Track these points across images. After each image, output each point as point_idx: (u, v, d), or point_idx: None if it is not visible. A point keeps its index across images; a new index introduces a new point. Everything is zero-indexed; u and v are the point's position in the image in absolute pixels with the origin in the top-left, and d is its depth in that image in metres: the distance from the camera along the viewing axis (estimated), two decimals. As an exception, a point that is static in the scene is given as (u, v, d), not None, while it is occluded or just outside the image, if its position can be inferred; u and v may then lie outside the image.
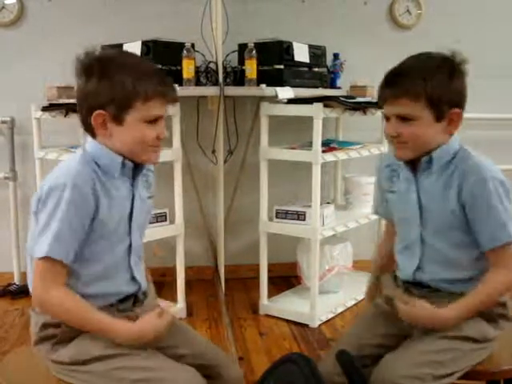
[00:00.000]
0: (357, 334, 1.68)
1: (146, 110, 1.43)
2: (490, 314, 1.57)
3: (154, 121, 1.46)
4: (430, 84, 1.51)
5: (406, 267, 1.67)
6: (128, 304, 1.54)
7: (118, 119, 1.43)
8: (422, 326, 1.53)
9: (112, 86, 1.41)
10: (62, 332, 1.45)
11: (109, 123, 1.43)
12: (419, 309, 1.52)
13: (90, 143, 1.49)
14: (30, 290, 1.43)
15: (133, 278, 1.54)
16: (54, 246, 1.37)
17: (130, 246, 1.53)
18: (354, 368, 0.91)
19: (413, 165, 1.62)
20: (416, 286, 1.65)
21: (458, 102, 1.55)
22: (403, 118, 1.54)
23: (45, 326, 1.47)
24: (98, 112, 1.42)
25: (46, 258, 1.37)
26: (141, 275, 1.58)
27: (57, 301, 1.39)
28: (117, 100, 1.41)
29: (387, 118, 1.59)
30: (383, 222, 3.29)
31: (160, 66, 2.89)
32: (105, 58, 1.46)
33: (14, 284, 3.29)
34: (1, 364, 1.56)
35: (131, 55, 1.51)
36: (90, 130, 1.47)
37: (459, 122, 1.56)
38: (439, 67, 1.55)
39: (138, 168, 1.53)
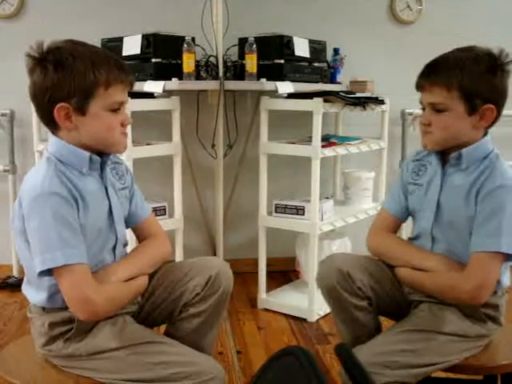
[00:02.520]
0: (362, 261, 1.72)
1: (108, 97, 1.42)
2: (474, 313, 1.58)
3: (117, 108, 1.45)
4: (466, 76, 1.51)
5: None
6: None
7: (82, 110, 1.40)
8: None
9: (71, 76, 1.38)
10: (75, 327, 1.45)
11: (73, 115, 1.40)
12: None
13: (52, 143, 1.46)
14: (70, 305, 1.39)
15: None
16: (67, 253, 1.35)
17: (117, 239, 1.55)
18: (353, 362, 0.92)
19: (443, 159, 1.64)
20: None
21: (494, 98, 1.54)
22: (436, 108, 1.56)
23: (52, 324, 1.47)
24: (60, 105, 1.39)
25: (67, 266, 1.35)
26: None
27: (113, 293, 1.43)
28: (78, 90, 1.38)
29: (423, 108, 1.62)
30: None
31: (160, 60, 2.90)
32: (56, 49, 1.41)
33: (13, 277, 3.30)
34: (0, 356, 1.56)
35: (81, 43, 1.45)
36: (51, 124, 1.44)
37: (492, 118, 1.56)
38: (478, 61, 1.54)
39: (104, 160, 1.51)
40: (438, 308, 1.60)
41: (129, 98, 1.51)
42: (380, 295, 1.67)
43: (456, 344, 1.54)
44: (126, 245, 1.62)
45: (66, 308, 1.42)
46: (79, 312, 1.38)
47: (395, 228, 1.80)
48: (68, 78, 1.38)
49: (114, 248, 1.54)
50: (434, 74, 1.56)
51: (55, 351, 1.48)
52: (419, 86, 1.62)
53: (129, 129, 2.55)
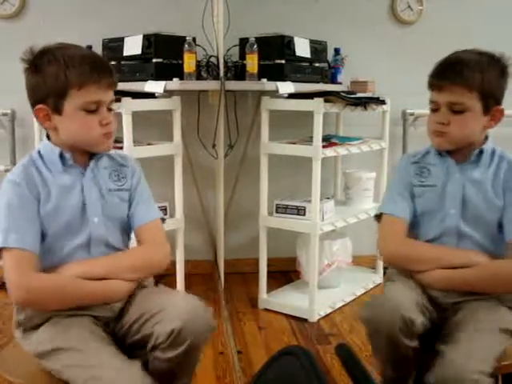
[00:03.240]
0: (415, 296, 1.65)
1: (82, 96, 1.46)
2: None
3: (94, 108, 1.48)
4: (486, 77, 1.59)
5: None
6: None
7: (58, 110, 1.47)
8: None
9: (45, 78, 1.45)
10: (26, 318, 1.49)
11: (52, 116, 1.48)
12: None
13: (42, 141, 1.57)
14: (7, 287, 1.42)
15: None
16: (9, 237, 1.41)
17: (90, 237, 1.53)
18: (354, 362, 0.92)
19: (452, 157, 1.69)
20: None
21: (501, 99, 1.65)
22: (454, 109, 1.60)
23: (18, 310, 1.52)
24: (38, 106, 1.48)
25: (8, 250, 1.41)
26: None
27: (47, 282, 1.43)
28: (52, 91, 1.45)
29: (435, 109, 1.65)
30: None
31: (161, 60, 2.90)
32: (39, 52, 1.49)
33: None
34: (0, 355, 1.56)
35: (68, 46, 1.51)
36: (42, 125, 1.54)
37: (499, 118, 1.65)
38: (492, 64, 1.62)
39: (94, 160, 1.56)
40: (492, 305, 1.60)
41: (112, 97, 1.53)
42: (429, 325, 1.63)
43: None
44: (113, 247, 1.59)
45: None
46: (12, 296, 1.42)
47: (407, 233, 1.75)
48: (43, 81, 1.46)
49: (89, 246, 1.54)
50: (456, 74, 1.60)
51: (19, 339, 1.54)
52: (436, 86, 1.64)
53: (129, 129, 2.58)
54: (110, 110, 1.53)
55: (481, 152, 1.66)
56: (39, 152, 1.54)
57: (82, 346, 1.40)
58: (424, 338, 1.61)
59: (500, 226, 1.65)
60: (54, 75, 1.44)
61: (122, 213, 1.62)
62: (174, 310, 1.46)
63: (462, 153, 1.67)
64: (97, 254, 1.55)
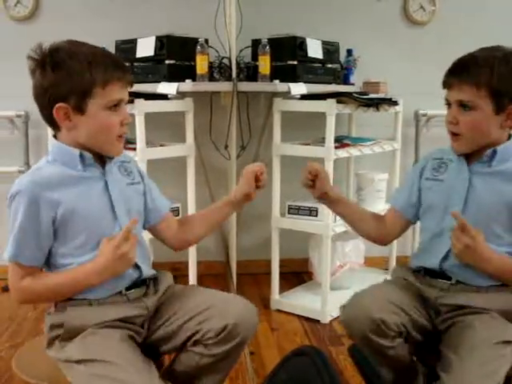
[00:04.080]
0: (389, 295, 1.64)
1: (106, 95, 1.43)
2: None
3: (115, 106, 1.46)
4: (496, 74, 1.52)
5: (433, 255, 1.66)
6: (138, 293, 1.55)
7: (80, 109, 1.42)
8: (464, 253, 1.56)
9: (68, 75, 1.40)
10: (64, 331, 1.46)
11: (72, 115, 1.43)
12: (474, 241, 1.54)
13: (52, 145, 1.51)
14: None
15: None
16: (16, 251, 1.42)
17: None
18: (367, 362, 0.92)
19: (467, 158, 1.64)
20: (439, 279, 1.65)
21: None
22: (464, 106, 1.56)
23: (52, 327, 1.49)
24: (59, 105, 1.41)
25: (12, 261, 1.44)
26: (142, 260, 1.56)
27: (27, 287, 1.44)
28: (76, 89, 1.40)
29: (449, 106, 1.62)
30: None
31: (174, 62, 2.91)
32: (54, 49, 1.44)
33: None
34: (16, 356, 1.57)
35: (80, 43, 1.48)
36: (53, 124, 1.47)
37: None
38: (507, 60, 1.55)
39: (107, 158, 1.53)
40: (488, 318, 1.56)
41: (127, 97, 1.51)
42: (410, 323, 1.62)
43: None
44: (138, 241, 1.56)
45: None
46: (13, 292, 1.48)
47: (390, 217, 1.82)
48: (65, 78, 1.40)
49: None
50: (463, 71, 1.57)
51: (53, 353, 1.49)
52: (447, 84, 1.61)
53: (142, 130, 2.59)
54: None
55: (494, 152, 1.59)
56: (54, 156, 1.48)
57: (114, 359, 1.39)
58: (426, 339, 1.63)
59: (507, 228, 1.60)
60: (77, 72, 1.40)
61: (140, 206, 1.63)
62: (227, 306, 1.52)
63: (479, 154, 1.61)
64: None
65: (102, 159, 1.52)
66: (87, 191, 1.47)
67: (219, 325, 1.46)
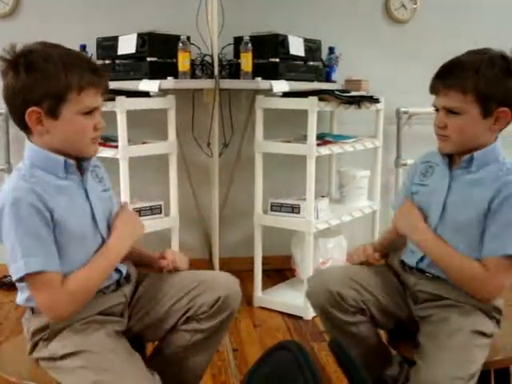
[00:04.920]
0: (351, 273, 1.72)
1: (81, 101, 1.38)
2: (487, 310, 1.60)
3: (89, 112, 1.42)
4: (482, 79, 1.51)
5: (413, 255, 1.70)
6: (113, 285, 1.56)
7: (54, 114, 1.37)
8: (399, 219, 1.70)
9: (43, 79, 1.35)
10: (49, 331, 1.46)
11: (44, 119, 1.38)
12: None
13: (27, 148, 1.45)
14: (42, 309, 1.41)
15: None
16: (42, 261, 1.34)
17: (103, 241, 1.51)
18: (347, 356, 0.93)
19: (451, 162, 1.65)
20: (419, 272, 1.69)
21: (508, 101, 1.54)
22: (451, 111, 1.56)
23: (35, 332, 1.48)
24: (31, 109, 1.36)
25: (30, 275, 1.35)
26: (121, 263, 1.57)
27: (71, 285, 1.39)
28: (50, 94, 1.35)
29: (437, 110, 1.62)
30: (378, 215, 3.32)
31: (156, 59, 2.90)
32: (28, 51, 1.38)
33: (9, 276, 3.30)
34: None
35: (54, 45, 1.42)
36: (24, 127, 1.42)
37: (506, 121, 1.56)
38: (494, 64, 1.53)
39: (83, 164, 1.49)
40: (467, 309, 1.59)
41: (101, 104, 1.47)
42: (374, 304, 1.67)
43: (486, 346, 1.55)
44: None
45: None
46: (47, 315, 1.42)
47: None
48: (39, 82, 1.35)
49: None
50: (450, 77, 1.55)
51: (37, 353, 1.49)
52: (433, 89, 1.60)
53: (124, 128, 2.59)
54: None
55: (471, 157, 1.58)
56: (31, 160, 1.42)
57: (97, 349, 1.41)
58: (400, 328, 1.70)
59: (479, 235, 1.58)
60: (53, 76, 1.35)
61: (111, 212, 1.60)
62: (215, 280, 1.63)
63: (459, 156, 1.62)
64: None
65: (78, 165, 1.48)
66: (72, 202, 1.44)
67: (212, 297, 1.56)
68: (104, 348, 1.42)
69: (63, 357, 1.42)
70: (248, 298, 3.09)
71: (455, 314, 1.57)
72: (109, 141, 2.72)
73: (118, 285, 1.56)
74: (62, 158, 1.42)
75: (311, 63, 3.29)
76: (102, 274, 1.46)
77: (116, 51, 2.99)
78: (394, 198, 1.91)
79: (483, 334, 1.54)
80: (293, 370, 0.86)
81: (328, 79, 3.42)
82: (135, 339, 1.58)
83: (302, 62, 3.21)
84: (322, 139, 3.02)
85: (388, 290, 1.70)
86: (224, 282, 1.63)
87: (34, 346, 1.49)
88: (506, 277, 1.54)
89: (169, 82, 2.83)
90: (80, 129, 1.42)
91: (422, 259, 1.67)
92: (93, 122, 1.44)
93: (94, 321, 1.48)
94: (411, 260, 1.71)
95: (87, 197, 1.48)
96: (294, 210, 2.90)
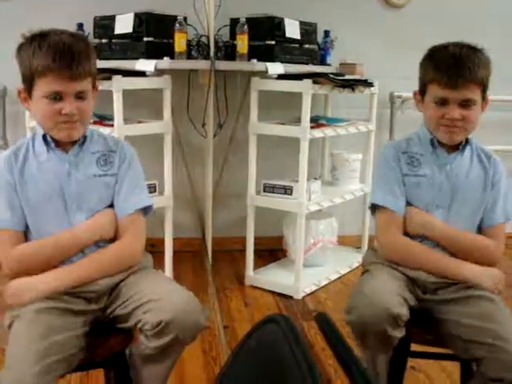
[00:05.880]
0: (395, 288, 1.67)
1: (43, 85, 1.50)
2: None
3: (58, 98, 1.50)
4: (485, 71, 1.68)
5: None
6: None
7: (29, 94, 1.54)
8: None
9: (20, 62, 1.53)
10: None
11: (28, 98, 1.55)
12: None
13: None
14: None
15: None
16: None
17: (72, 225, 1.58)
18: (332, 331, 0.97)
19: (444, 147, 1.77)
20: None
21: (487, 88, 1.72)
22: (464, 104, 1.67)
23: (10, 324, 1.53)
24: (19, 87, 1.55)
25: None
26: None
27: (20, 255, 1.53)
28: (24, 76, 1.53)
29: (443, 103, 1.69)
30: (369, 199, 3.36)
31: (152, 39, 2.92)
32: (25, 38, 1.53)
33: None
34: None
35: (52, 32, 1.51)
36: None
37: (486, 106, 1.74)
38: (485, 56, 1.70)
39: (77, 145, 1.60)
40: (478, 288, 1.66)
41: (82, 87, 1.53)
42: (408, 308, 1.66)
43: None
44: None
45: None
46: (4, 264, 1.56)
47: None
48: (19, 65, 1.54)
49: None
50: (467, 71, 1.66)
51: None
52: (452, 84, 1.66)
53: (120, 107, 2.61)
54: (80, 98, 1.53)
55: (467, 142, 1.75)
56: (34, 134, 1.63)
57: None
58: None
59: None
60: (24, 61, 1.51)
61: (106, 199, 1.64)
62: (166, 301, 1.49)
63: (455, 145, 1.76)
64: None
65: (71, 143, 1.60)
66: (42, 168, 1.57)
67: (155, 319, 1.46)
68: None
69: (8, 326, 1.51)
70: (240, 278, 3.14)
71: (476, 291, 1.65)
72: (105, 119, 2.74)
73: None
74: (41, 133, 1.59)
75: (306, 46, 3.31)
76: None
77: (113, 30, 3.00)
78: (387, 195, 1.81)
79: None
80: (279, 342, 0.91)
81: (323, 62, 3.44)
82: (109, 323, 1.61)
83: (297, 45, 3.23)
84: (316, 122, 3.05)
85: (408, 287, 1.71)
86: (174, 304, 1.48)
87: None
88: (504, 240, 1.76)
89: (165, 62, 2.85)
90: (43, 112, 1.54)
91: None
92: (57, 106, 1.51)
93: (51, 297, 1.51)
94: None
95: (65, 178, 1.58)
96: (287, 191, 2.94)
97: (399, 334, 1.61)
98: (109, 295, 1.61)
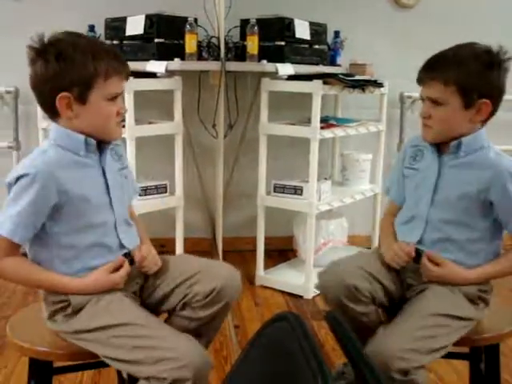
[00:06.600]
0: (363, 264, 1.73)
1: (107, 87, 1.49)
2: (473, 296, 1.64)
3: (114, 98, 1.52)
4: (463, 71, 1.58)
5: (406, 239, 1.73)
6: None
7: (82, 99, 1.47)
8: (441, 281, 1.65)
9: (72, 66, 1.45)
10: (72, 308, 1.52)
11: (73, 105, 1.48)
12: (445, 270, 1.64)
13: (53, 129, 1.55)
14: None
15: (122, 246, 1.60)
16: (13, 229, 1.45)
17: (115, 218, 1.58)
18: (342, 329, 0.98)
19: (439, 148, 1.70)
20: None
21: (490, 93, 1.60)
22: (435, 102, 1.62)
23: (54, 302, 1.54)
24: (62, 94, 1.46)
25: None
26: (130, 240, 1.62)
27: (11, 268, 1.50)
28: (79, 80, 1.46)
29: (422, 100, 1.68)
30: (379, 198, 3.37)
31: (163, 40, 2.94)
32: (56, 40, 1.48)
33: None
34: (10, 322, 1.62)
35: (80, 35, 1.54)
36: (52, 112, 1.51)
37: (487, 112, 1.61)
38: (477, 57, 1.59)
39: (103, 144, 1.58)
40: (445, 292, 1.63)
41: (124, 90, 1.57)
42: (383, 291, 1.70)
43: (462, 328, 1.59)
44: (129, 223, 1.65)
45: None
46: None
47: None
48: (69, 69, 1.45)
49: (115, 227, 1.59)
50: (433, 69, 1.63)
51: (57, 325, 1.55)
52: (419, 80, 1.67)
53: (131, 108, 2.63)
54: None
55: (459, 143, 1.64)
56: (55, 141, 1.52)
57: (129, 320, 1.47)
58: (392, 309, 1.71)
59: (476, 216, 1.65)
60: (82, 64, 1.45)
61: (129, 190, 1.70)
62: (214, 270, 1.62)
63: (448, 145, 1.67)
64: (123, 233, 1.60)
65: (99, 146, 1.57)
66: (87, 176, 1.53)
67: (208, 287, 1.56)
68: (133, 317, 1.49)
69: (95, 329, 1.47)
70: (250, 277, 3.15)
71: (431, 293, 1.63)
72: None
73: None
74: (82, 137, 1.51)
75: (316, 47, 3.32)
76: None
77: (124, 32, 3.02)
78: (387, 181, 1.93)
79: (458, 318, 1.58)
80: (289, 339, 0.92)
81: (333, 63, 3.45)
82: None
83: (307, 46, 3.24)
84: (326, 122, 3.06)
85: (393, 274, 1.73)
86: (223, 273, 1.62)
87: (52, 315, 1.55)
88: None
89: (176, 64, 2.87)
90: (105, 114, 1.52)
91: (418, 243, 1.70)
92: (116, 107, 1.53)
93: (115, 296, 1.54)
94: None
95: (104, 175, 1.57)
96: (297, 191, 2.95)
97: (360, 309, 1.65)
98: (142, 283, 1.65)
